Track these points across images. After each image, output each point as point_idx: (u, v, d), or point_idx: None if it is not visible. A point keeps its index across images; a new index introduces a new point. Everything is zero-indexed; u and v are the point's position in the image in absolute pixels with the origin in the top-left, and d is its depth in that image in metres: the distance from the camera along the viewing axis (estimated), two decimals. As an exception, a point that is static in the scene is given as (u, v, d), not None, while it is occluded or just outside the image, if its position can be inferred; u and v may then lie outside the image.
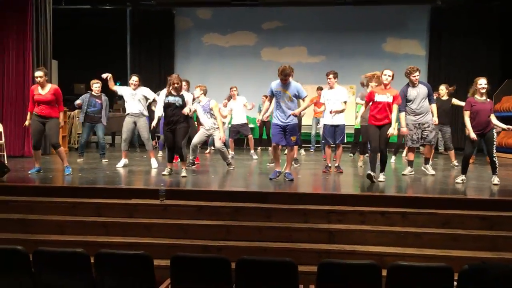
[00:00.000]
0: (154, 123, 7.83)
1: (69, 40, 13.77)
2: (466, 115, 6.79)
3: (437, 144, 9.76)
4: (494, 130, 6.84)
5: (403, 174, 7.68)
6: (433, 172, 7.78)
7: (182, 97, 7.24)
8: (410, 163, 7.76)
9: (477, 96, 6.76)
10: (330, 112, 7.81)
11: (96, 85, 9.18)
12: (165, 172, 7.37)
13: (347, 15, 14.11)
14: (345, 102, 7.90)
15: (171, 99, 7.18)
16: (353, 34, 14.32)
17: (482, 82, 6.73)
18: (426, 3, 13.83)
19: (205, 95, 8.28)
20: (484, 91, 6.72)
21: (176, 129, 7.19)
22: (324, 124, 8.04)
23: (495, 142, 6.83)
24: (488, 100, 6.81)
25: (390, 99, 6.82)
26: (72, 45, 13.93)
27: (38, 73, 7.18)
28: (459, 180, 6.89)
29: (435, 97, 8.00)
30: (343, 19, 14.22)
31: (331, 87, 7.93)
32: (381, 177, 6.96)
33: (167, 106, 7.20)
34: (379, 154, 6.93)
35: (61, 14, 12.53)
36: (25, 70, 10.04)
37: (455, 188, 6.56)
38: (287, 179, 6.95)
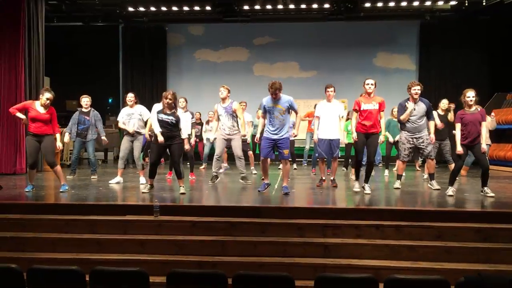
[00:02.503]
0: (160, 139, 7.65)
1: (62, 57, 13.80)
2: (457, 128, 6.91)
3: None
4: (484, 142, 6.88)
5: (395, 188, 7.67)
6: (438, 187, 7.54)
7: (176, 116, 7.03)
8: (399, 177, 7.77)
9: (466, 108, 6.87)
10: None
11: (84, 99, 9.17)
12: (144, 190, 7.06)
13: (338, 30, 14.30)
14: (342, 117, 7.94)
15: (164, 117, 6.97)
16: (344, 49, 14.50)
17: (470, 95, 6.86)
18: (415, 18, 14.06)
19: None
20: (472, 103, 6.84)
21: (171, 145, 7.04)
22: (320, 138, 7.91)
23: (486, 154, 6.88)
24: (479, 109, 6.91)
25: (376, 107, 6.99)
26: (64, 62, 13.96)
27: (49, 95, 7.02)
28: (450, 192, 6.91)
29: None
30: (334, 34, 14.39)
31: (329, 100, 7.95)
32: (367, 189, 7.01)
33: (160, 124, 7.01)
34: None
35: (54, 32, 12.55)
36: (17, 87, 9.99)
37: (448, 200, 6.58)
38: (283, 193, 6.98)
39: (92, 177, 9.06)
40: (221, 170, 9.97)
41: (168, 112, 7.03)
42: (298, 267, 4.99)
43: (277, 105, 7.00)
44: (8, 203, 6.32)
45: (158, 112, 7.05)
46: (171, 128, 7.01)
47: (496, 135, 12.22)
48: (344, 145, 9.94)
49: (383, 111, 7.10)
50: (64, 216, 5.83)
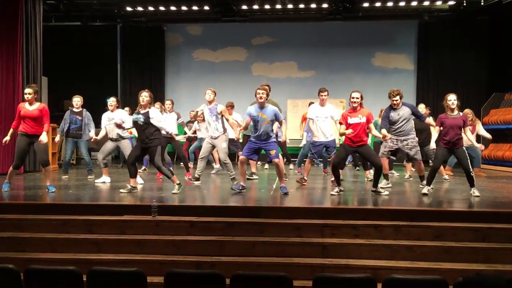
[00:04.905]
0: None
1: (60, 57, 13.76)
2: (436, 130, 6.99)
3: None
4: (478, 145, 6.87)
5: (381, 187, 7.57)
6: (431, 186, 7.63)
7: (145, 114, 6.85)
8: (385, 176, 7.62)
9: (448, 112, 6.86)
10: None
11: (75, 99, 9.12)
12: (123, 190, 6.97)
13: (337, 30, 14.29)
14: (336, 119, 7.87)
15: (134, 117, 6.99)
16: (343, 49, 14.49)
17: (451, 98, 6.85)
18: (414, 18, 14.05)
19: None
20: (454, 106, 6.82)
21: (148, 149, 6.95)
22: (315, 142, 7.89)
23: (468, 157, 6.83)
24: (461, 114, 6.89)
25: (363, 120, 6.75)
26: (62, 62, 13.91)
27: (27, 90, 7.11)
28: (425, 191, 6.84)
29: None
30: (332, 34, 14.38)
31: (322, 105, 7.92)
32: (383, 191, 6.91)
33: (134, 124, 7.07)
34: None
35: (52, 31, 12.52)
36: (15, 87, 9.95)
37: (447, 200, 6.58)
38: (282, 193, 6.94)
39: (89, 177, 9.02)
40: (213, 171, 9.96)
41: (141, 111, 6.93)
42: (296, 267, 4.99)
43: (262, 114, 6.93)
44: (5, 203, 6.30)
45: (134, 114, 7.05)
46: (141, 129, 6.89)
47: (493, 135, 12.22)
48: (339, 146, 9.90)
49: (370, 123, 6.85)
50: (61, 216, 5.81)
